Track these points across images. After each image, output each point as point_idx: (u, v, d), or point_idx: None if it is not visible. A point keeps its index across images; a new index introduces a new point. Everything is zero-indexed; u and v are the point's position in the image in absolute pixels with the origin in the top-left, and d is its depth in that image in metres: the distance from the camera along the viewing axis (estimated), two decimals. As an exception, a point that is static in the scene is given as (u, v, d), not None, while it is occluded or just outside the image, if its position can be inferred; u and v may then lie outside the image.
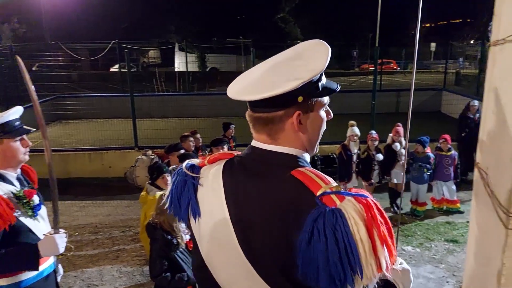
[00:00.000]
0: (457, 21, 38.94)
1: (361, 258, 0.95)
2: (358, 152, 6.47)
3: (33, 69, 13.31)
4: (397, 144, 6.37)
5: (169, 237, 3.10)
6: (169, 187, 1.34)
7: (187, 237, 3.20)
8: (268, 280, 1.12)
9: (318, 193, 1.03)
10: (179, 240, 3.13)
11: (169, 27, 31.27)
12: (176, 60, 24.41)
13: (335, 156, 6.69)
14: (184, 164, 1.31)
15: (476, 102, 7.83)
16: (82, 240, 5.62)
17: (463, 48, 24.56)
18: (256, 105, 1.16)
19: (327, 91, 1.18)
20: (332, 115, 1.25)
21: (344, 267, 0.95)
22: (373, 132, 6.54)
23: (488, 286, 1.44)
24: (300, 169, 1.12)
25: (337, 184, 1.06)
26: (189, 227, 1.32)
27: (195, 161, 1.33)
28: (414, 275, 4.59)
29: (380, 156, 6.35)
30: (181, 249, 3.15)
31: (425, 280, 4.57)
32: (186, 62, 19.83)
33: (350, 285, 0.96)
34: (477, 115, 7.64)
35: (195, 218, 1.26)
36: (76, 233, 5.77)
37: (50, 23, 22.02)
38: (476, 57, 19.23)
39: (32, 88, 1.82)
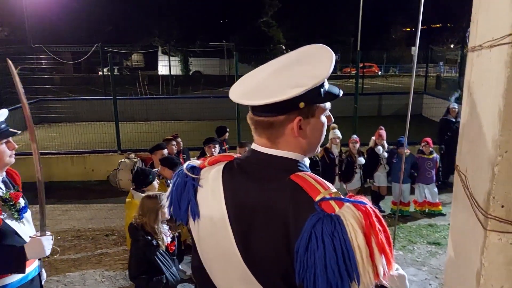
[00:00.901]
0: (437, 26, 39.70)
1: (359, 265, 0.95)
2: (341, 154, 6.55)
3: (16, 71, 13.06)
4: (380, 148, 6.44)
5: (149, 238, 3.12)
6: (169, 188, 1.34)
7: (168, 240, 3.23)
8: (265, 285, 1.12)
9: (317, 198, 1.02)
10: (160, 242, 3.15)
11: (152, 31, 31.07)
12: (160, 63, 24.29)
13: (318, 159, 6.77)
14: (184, 166, 1.31)
15: (456, 106, 7.93)
16: (64, 244, 5.57)
17: (443, 52, 25.06)
18: (258, 109, 1.15)
19: (329, 96, 1.17)
20: (333, 120, 1.25)
21: (341, 273, 0.95)
22: (354, 136, 6.64)
23: (467, 286, 1.45)
24: (299, 173, 1.11)
25: (336, 190, 1.06)
26: (188, 228, 1.32)
27: (196, 162, 1.33)
28: (397, 278, 4.67)
29: (362, 160, 6.43)
30: (161, 251, 3.17)
31: (407, 283, 4.65)
32: (170, 66, 19.76)
33: None
34: (458, 118, 7.79)
35: (194, 220, 1.26)
36: (59, 237, 5.71)
37: (33, 26, 21.61)
38: (456, 62, 19.64)
39: (21, 90, 1.84)
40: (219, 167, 1.25)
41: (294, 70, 1.14)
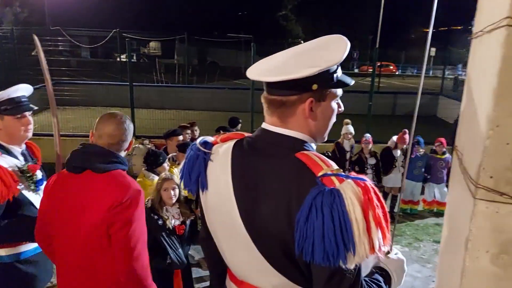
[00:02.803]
0: (458, 27, 39.11)
1: (355, 236, 1.00)
2: (352, 151, 6.53)
3: (33, 53, 13.29)
4: (398, 151, 6.32)
5: (155, 217, 3.17)
6: (183, 161, 1.42)
7: (175, 222, 3.28)
8: (266, 255, 1.18)
9: (319, 174, 1.08)
10: (167, 223, 3.20)
11: (171, 19, 31.19)
12: (176, 52, 24.38)
13: (329, 154, 6.76)
14: (198, 140, 1.38)
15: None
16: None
17: (462, 54, 24.70)
18: (273, 87, 1.20)
19: (341, 84, 1.23)
20: (342, 108, 1.29)
21: (338, 243, 1.00)
22: (367, 135, 6.51)
23: (457, 253, 1.52)
24: (304, 152, 1.17)
25: (338, 168, 1.11)
26: (198, 199, 1.40)
27: (209, 138, 1.39)
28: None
29: (373, 160, 6.33)
30: (167, 232, 3.21)
31: (411, 279, 4.66)
32: (187, 55, 19.83)
33: (342, 261, 1.01)
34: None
35: (202, 191, 1.34)
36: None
37: (52, 8, 21.91)
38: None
39: (46, 67, 1.89)
40: (230, 143, 1.31)
41: (311, 54, 1.20)
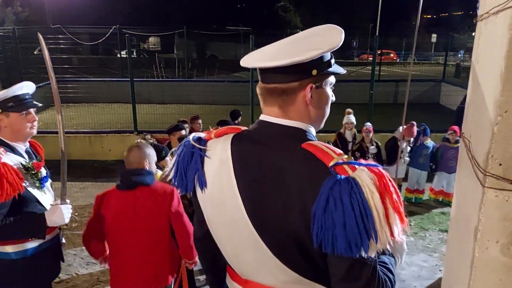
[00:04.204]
0: (459, 13, 38.74)
1: (376, 223, 0.99)
2: (354, 141, 6.52)
3: (35, 52, 13.30)
4: (404, 143, 6.26)
5: None
6: (173, 159, 1.35)
7: None
8: (275, 251, 1.15)
9: (331, 163, 1.05)
10: None
11: (170, 14, 31.03)
12: (176, 46, 24.32)
13: (330, 143, 6.70)
14: (191, 137, 1.32)
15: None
16: (82, 219, 5.74)
17: (464, 40, 24.50)
18: (272, 73, 1.16)
19: (335, 72, 1.23)
20: (334, 98, 1.27)
21: (360, 232, 0.99)
22: (368, 124, 6.46)
23: (466, 243, 1.50)
24: (310, 142, 1.14)
25: (347, 155, 1.10)
26: (194, 198, 1.34)
27: (202, 134, 1.33)
28: (408, 263, 4.68)
29: (373, 149, 6.29)
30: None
31: (418, 268, 4.64)
32: (186, 49, 19.78)
33: (365, 249, 1.00)
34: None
35: (201, 189, 1.28)
36: (76, 213, 5.88)
37: (52, 7, 21.87)
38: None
39: (50, 64, 1.90)
40: (227, 138, 1.27)
41: (309, 40, 1.18)
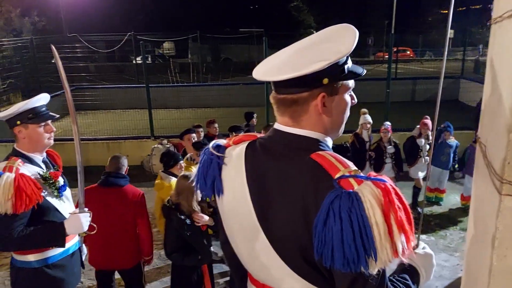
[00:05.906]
0: (477, 7, 38.04)
1: (376, 241, 0.95)
2: (370, 140, 6.42)
3: (52, 61, 13.58)
4: (422, 140, 6.15)
5: (182, 217, 3.22)
6: (197, 166, 1.39)
7: (206, 218, 3.31)
8: (284, 258, 1.15)
9: (336, 176, 1.03)
10: (196, 221, 3.26)
11: (183, 18, 31.33)
12: (190, 51, 24.52)
13: (348, 144, 6.67)
14: (211, 144, 1.35)
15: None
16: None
17: (482, 34, 24.01)
18: (282, 86, 1.16)
19: (352, 75, 1.18)
20: (356, 100, 1.24)
21: (358, 249, 0.96)
22: (387, 123, 6.37)
23: (484, 251, 1.47)
24: (320, 152, 1.12)
25: (356, 168, 1.06)
26: (214, 204, 1.39)
27: (222, 141, 1.36)
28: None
29: (391, 149, 6.18)
30: (195, 230, 3.27)
31: (439, 268, 4.57)
32: (200, 53, 19.91)
33: (363, 267, 0.97)
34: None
35: (218, 196, 1.32)
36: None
37: (68, 16, 22.31)
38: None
39: (64, 75, 1.93)
40: (243, 146, 1.29)
41: (317, 47, 1.14)
